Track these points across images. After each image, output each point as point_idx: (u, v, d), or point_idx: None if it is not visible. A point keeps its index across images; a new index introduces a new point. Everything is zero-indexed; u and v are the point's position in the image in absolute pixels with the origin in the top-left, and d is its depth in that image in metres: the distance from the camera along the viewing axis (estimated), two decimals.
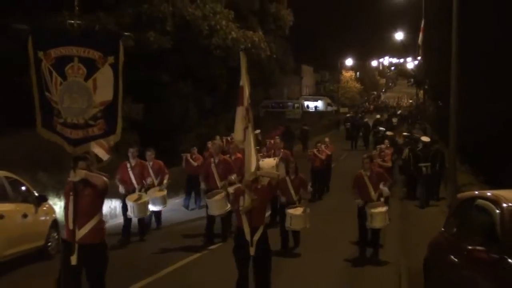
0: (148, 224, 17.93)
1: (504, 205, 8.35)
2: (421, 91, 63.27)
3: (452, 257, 9.34)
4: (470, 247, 8.33)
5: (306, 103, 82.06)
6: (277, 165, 17.70)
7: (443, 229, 10.87)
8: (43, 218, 15.09)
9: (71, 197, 8.94)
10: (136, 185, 16.76)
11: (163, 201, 17.59)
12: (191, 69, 34.06)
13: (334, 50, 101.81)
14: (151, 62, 31.19)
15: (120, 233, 16.77)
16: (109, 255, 9.35)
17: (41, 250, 14.84)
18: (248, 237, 10.26)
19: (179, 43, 31.63)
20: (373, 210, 14.90)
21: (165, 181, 17.80)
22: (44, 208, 15.32)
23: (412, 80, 76.46)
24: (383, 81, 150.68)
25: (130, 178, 16.76)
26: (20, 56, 10.92)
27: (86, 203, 8.97)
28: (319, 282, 12.98)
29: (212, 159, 16.71)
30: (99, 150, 9.71)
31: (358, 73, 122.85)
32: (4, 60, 23.76)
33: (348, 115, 70.81)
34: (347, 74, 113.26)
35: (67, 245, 9.02)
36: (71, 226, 8.96)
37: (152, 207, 17.39)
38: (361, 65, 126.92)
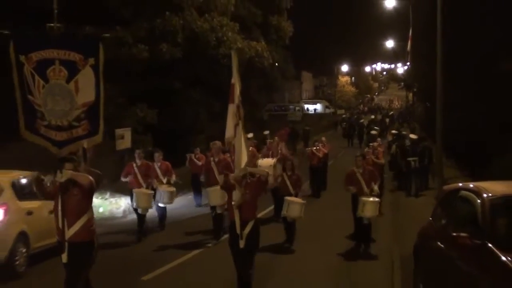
0: (164, 215, 17.71)
1: (485, 195, 8.38)
2: (411, 94, 63.30)
3: (439, 243, 9.38)
4: (454, 234, 8.33)
5: (306, 106, 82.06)
6: (274, 165, 17.54)
7: (430, 218, 10.88)
8: None
9: (59, 197, 8.62)
10: (143, 184, 16.57)
11: (170, 197, 17.28)
12: (201, 77, 34.11)
13: (331, 57, 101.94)
14: (164, 71, 31.25)
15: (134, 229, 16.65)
16: (95, 255, 9.00)
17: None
18: (238, 230, 10.06)
19: (189, 53, 31.66)
20: (365, 199, 14.66)
21: (173, 179, 17.60)
22: None
23: (402, 83, 76.51)
24: (376, 85, 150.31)
25: (136, 177, 16.60)
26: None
27: (74, 203, 8.59)
28: (316, 271, 12.84)
29: (212, 158, 16.65)
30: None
31: (353, 78, 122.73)
32: None
33: (344, 116, 70.96)
34: (343, 79, 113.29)
35: (59, 244, 8.76)
36: (60, 225, 8.64)
37: (159, 203, 17.23)
38: (356, 70, 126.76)
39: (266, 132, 30.46)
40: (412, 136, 26.55)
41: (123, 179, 17.04)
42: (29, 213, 12.87)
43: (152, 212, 17.36)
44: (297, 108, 72.96)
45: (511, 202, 8.41)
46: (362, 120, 58.77)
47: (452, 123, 24.34)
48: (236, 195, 10.12)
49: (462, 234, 8.09)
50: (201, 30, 32.12)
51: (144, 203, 16.32)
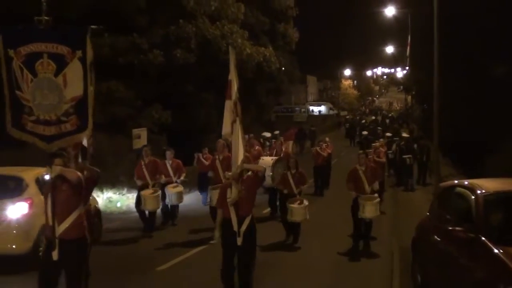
0: (166, 214, 17.20)
1: (479, 192, 8.41)
2: (409, 96, 63.20)
3: (435, 236, 9.40)
4: (450, 228, 8.36)
5: (311, 107, 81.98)
6: (273, 165, 17.26)
7: (428, 213, 10.91)
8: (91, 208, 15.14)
9: (50, 193, 7.98)
10: (149, 181, 15.91)
11: (178, 197, 16.68)
12: (212, 80, 34.13)
13: (334, 62, 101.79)
14: (178, 75, 31.31)
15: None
16: (89, 251, 8.49)
17: None
18: (235, 227, 9.38)
19: (202, 58, 31.70)
20: (365, 201, 13.93)
21: (181, 178, 16.99)
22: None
23: (401, 87, 76.40)
24: (376, 88, 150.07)
25: (144, 175, 15.97)
26: None
27: (63, 199, 7.92)
28: (318, 266, 12.67)
29: (217, 156, 15.81)
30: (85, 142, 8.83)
31: (355, 81, 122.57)
32: None
33: (347, 117, 71.01)
34: (346, 82, 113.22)
35: (49, 241, 8.04)
36: (50, 222, 7.96)
37: (170, 204, 16.80)
38: (358, 74, 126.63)
39: (277, 132, 30.53)
40: (405, 135, 27.06)
41: (136, 181, 16.51)
42: None
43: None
44: (302, 109, 72.88)
45: (503, 198, 8.46)
46: (363, 121, 58.78)
47: (448, 124, 24.41)
48: (231, 191, 9.48)
49: (458, 228, 8.12)
50: (213, 36, 32.18)
51: (152, 206, 15.76)
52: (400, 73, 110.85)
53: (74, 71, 8.19)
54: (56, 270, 7.98)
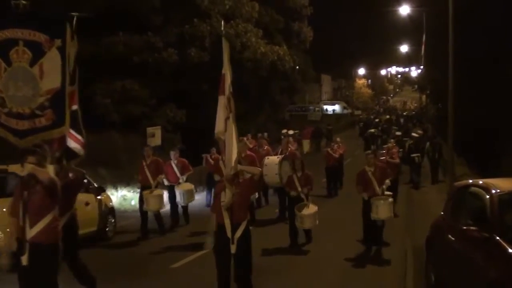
0: (176, 214, 16.96)
1: (493, 191, 8.36)
2: (424, 96, 62.99)
3: (449, 236, 9.36)
4: (464, 227, 8.34)
5: (325, 106, 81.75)
6: (280, 162, 16.84)
7: (442, 212, 10.87)
8: (102, 205, 15.25)
9: (23, 193, 7.16)
10: (151, 181, 15.48)
11: (190, 196, 16.47)
12: None
13: (349, 61, 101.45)
14: (192, 74, 31.40)
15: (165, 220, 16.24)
16: (60, 259, 7.47)
17: (100, 233, 15.10)
18: (229, 234, 8.64)
19: (216, 57, 31.52)
20: (378, 201, 13.36)
21: (185, 176, 16.69)
22: (103, 197, 15.55)
23: (416, 86, 76.18)
24: (391, 87, 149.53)
25: (146, 175, 15.60)
26: None
27: (37, 201, 7.07)
28: (327, 270, 12.21)
29: (221, 157, 15.48)
30: (75, 146, 8.36)
31: (369, 80, 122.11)
32: None
33: (361, 116, 70.92)
34: (360, 82, 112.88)
35: (19, 244, 7.27)
36: (21, 223, 7.17)
37: (181, 204, 16.65)
38: (372, 73, 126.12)
39: (296, 132, 30.63)
40: (414, 134, 27.30)
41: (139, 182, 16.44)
42: None
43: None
44: (316, 108, 72.69)
45: None
46: (377, 120, 58.67)
47: (462, 123, 24.32)
48: (225, 195, 8.76)
49: (472, 228, 8.09)
50: (227, 35, 32.25)
51: (154, 206, 15.37)
52: (414, 72, 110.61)
53: (52, 61, 7.52)
54: (26, 275, 7.22)
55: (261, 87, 40.24)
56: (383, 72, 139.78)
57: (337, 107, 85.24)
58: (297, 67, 45.10)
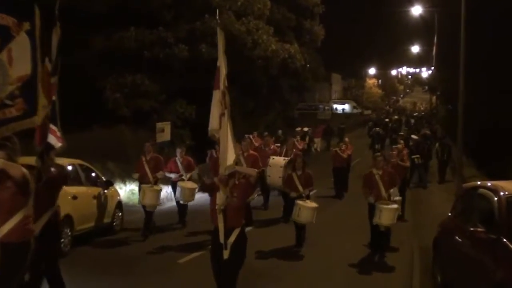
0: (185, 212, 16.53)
1: (502, 193, 8.38)
2: (434, 97, 62.81)
3: (457, 237, 9.38)
4: (472, 229, 8.36)
5: (335, 106, 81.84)
6: (285, 166, 16.61)
7: (450, 213, 10.87)
8: (109, 199, 15.30)
9: None
10: (151, 178, 15.14)
11: (191, 194, 15.70)
12: (237, 76, 34.23)
13: (359, 61, 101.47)
14: (203, 70, 31.41)
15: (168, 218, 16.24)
16: (28, 259, 6.80)
17: (107, 226, 15.16)
18: (221, 239, 8.09)
19: (227, 54, 31.60)
20: (383, 206, 12.84)
21: (189, 174, 16.15)
22: (111, 191, 15.59)
23: (426, 87, 76.01)
24: (401, 87, 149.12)
25: (145, 171, 15.26)
26: None
27: (7, 197, 6.53)
28: (329, 276, 11.72)
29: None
30: (51, 138, 8.02)
31: (380, 80, 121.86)
32: None
33: (371, 116, 70.87)
34: (371, 81, 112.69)
35: None
36: None
37: (180, 201, 15.98)
38: (383, 73, 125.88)
39: (309, 129, 30.67)
40: (414, 136, 27.59)
41: (133, 176, 16.28)
42: (74, 197, 13.05)
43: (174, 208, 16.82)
44: (326, 107, 72.63)
45: None
46: (387, 120, 58.51)
47: (472, 124, 24.30)
48: (219, 197, 8.19)
49: (479, 229, 8.12)
50: (238, 32, 32.28)
51: (150, 200, 14.80)
52: (425, 73, 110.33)
53: (21, 46, 6.89)
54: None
55: (271, 85, 40.27)
56: (393, 72, 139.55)
57: (346, 107, 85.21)
58: (308, 65, 45.12)
